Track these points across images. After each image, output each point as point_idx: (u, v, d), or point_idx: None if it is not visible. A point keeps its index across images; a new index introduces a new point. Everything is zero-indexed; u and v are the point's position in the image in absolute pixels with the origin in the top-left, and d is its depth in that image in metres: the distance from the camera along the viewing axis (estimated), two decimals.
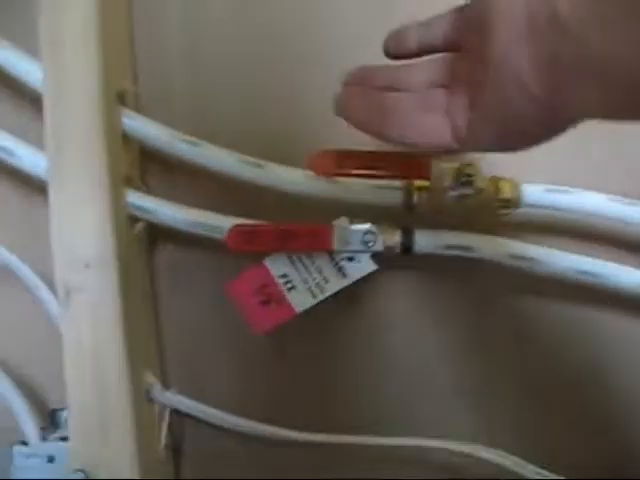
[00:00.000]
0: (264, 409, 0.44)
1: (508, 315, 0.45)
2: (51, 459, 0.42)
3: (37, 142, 0.42)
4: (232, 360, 0.46)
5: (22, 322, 0.46)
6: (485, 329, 0.46)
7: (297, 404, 0.45)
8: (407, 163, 0.41)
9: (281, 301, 0.41)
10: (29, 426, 0.42)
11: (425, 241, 0.42)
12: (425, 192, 0.42)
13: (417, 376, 0.46)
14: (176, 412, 0.44)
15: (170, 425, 0.44)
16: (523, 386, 0.46)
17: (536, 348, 0.46)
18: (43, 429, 0.44)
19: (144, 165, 0.46)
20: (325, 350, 0.46)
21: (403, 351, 0.46)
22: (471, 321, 0.45)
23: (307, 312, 0.41)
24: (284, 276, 0.41)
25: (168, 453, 0.44)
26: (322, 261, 0.42)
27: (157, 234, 0.46)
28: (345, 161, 0.41)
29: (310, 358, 0.46)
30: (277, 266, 0.42)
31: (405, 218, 0.43)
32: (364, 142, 0.37)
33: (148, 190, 0.45)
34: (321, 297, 0.41)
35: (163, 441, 0.42)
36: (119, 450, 0.39)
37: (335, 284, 0.42)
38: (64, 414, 0.45)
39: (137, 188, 0.44)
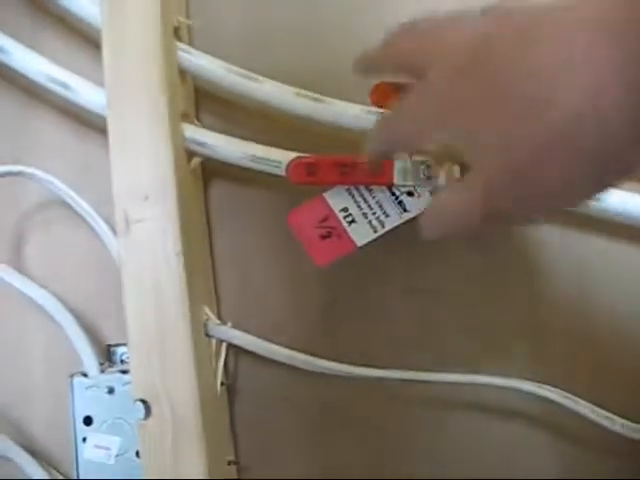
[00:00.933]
0: (318, 346, 0.43)
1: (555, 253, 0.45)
2: (111, 390, 0.42)
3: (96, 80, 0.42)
4: (284, 297, 0.45)
5: (81, 259, 0.46)
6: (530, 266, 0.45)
7: (350, 340, 0.45)
8: None
9: (341, 235, 0.41)
10: (89, 358, 0.43)
11: None
12: None
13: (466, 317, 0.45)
14: (231, 349, 0.44)
15: (225, 362, 0.44)
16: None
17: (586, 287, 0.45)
18: (101, 364, 0.44)
19: (199, 101, 0.46)
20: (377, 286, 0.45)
21: (452, 291, 0.45)
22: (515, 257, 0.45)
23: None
24: (344, 210, 0.41)
25: (223, 389, 0.44)
26: (382, 195, 0.41)
27: (212, 171, 0.45)
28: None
29: (362, 295, 0.45)
30: (337, 200, 0.41)
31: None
32: None
33: (203, 126, 0.44)
34: (381, 231, 0.41)
35: (220, 377, 0.42)
36: (179, 382, 0.39)
37: (395, 219, 0.41)
38: (120, 350, 0.45)
39: (194, 124, 0.43)
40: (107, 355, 0.45)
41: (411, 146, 0.35)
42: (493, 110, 0.26)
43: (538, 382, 0.42)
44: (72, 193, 0.43)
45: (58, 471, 0.45)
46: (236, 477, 0.44)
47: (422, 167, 0.41)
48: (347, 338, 0.45)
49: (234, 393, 0.45)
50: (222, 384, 0.43)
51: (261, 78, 0.42)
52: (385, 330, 0.45)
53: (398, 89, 0.40)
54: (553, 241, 0.45)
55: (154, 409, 0.39)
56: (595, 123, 0.23)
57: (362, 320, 0.45)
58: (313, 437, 0.45)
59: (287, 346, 0.42)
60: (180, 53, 0.43)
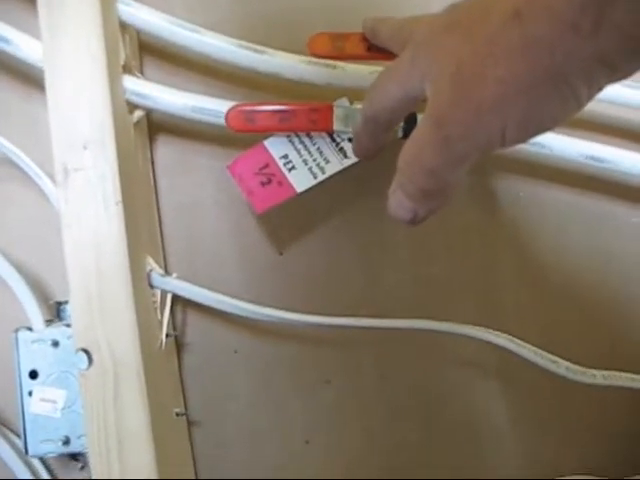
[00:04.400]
0: (264, 297, 0.43)
1: (512, 202, 0.45)
2: (55, 344, 0.42)
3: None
4: (231, 248, 0.45)
5: (28, 216, 0.46)
6: (487, 216, 0.45)
7: (296, 293, 0.45)
8: None
9: (282, 181, 0.41)
10: (34, 313, 0.43)
11: None
12: None
13: (417, 267, 0.45)
14: (178, 301, 0.44)
15: (173, 315, 0.44)
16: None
17: (538, 236, 0.45)
18: (48, 321, 0.44)
19: (142, 55, 0.46)
20: (325, 238, 0.45)
21: (402, 242, 0.45)
22: (472, 208, 0.45)
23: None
24: (284, 157, 0.41)
25: (170, 343, 0.44)
26: (322, 142, 0.41)
27: (157, 125, 0.45)
28: (341, 42, 0.40)
29: (310, 248, 0.45)
30: (277, 147, 0.41)
31: None
32: None
33: (147, 79, 0.44)
34: (322, 177, 0.41)
35: (165, 328, 0.42)
36: (121, 331, 0.39)
37: (336, 165, 0.41)
38: (68, 306, 0.45)
39: (135, 76, 0.43)
40: (56, 312, 0.45)
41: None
42: (451, 42, 0.27)
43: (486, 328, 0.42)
44: (16, 150, 0.43)
45: (5, 426, 0.45)
46: (185, 429, 0.44)
47: None
48: (293, 290, 0.45)
49: (183, 345, 0.45)
50: (168, 336, 0.43)
51: (203, 30, 0.42)
52: (332, 282, 0.45)
53: (335, 38, 0.40)
54: (506, 190, 0.45)
55: (95, 358, 0.39)
56: (534, 13, 0.24)
57: (308, 272, 0.45)
58: (262, 390, 0.45)
59: (233, 297, 0.42)
60: (120, 5, 0.43)
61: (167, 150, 0.46)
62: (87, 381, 0.39)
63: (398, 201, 0.31)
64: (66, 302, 0.44)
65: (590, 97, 0.25)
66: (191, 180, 0.45)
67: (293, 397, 0.45)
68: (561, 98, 0.25)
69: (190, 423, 0.45)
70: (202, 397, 0.45)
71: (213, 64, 0.43)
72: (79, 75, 0.40)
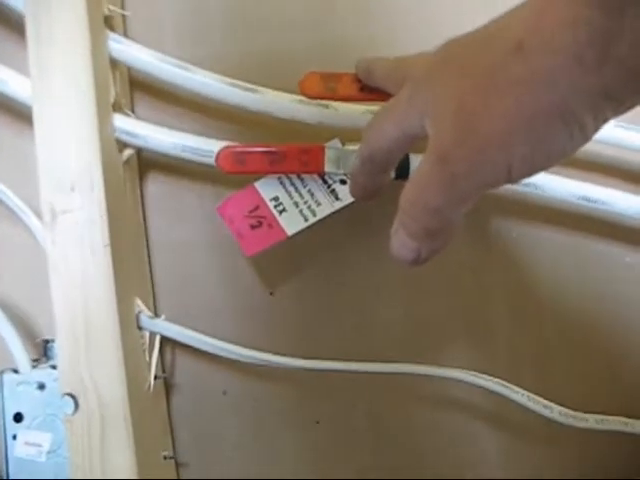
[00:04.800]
0: (255, 338, 0.43)
1: (505, 242, 0.44)
2: (41, 386, 0.41)
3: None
4: (221, 289, 0.45)
5: (15, 254, 0.45)
6: (480, 256, 0.45)
7: (286, 333, 0.44)
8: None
9: (272, 224, 0.40)
10: (19, 354, 0.42)
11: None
12: None
13: (409, 308, 0.45)
14: (167, 343, 0.44)
15: (162, 357, 0.44)
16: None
17: (532, 276, 0.45)
18: (35, 360, 0.43)
19: (133, 93, 0.45)
20: (316, 278, 0.45)
21: (394, 282, 0.45)
22: (466, 249, 0.44)
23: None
24: (275, 199, 0.41)
25: (159, 384, 0.43)
26: (314, 184, 0.41)
27: (147, 163, 0.45)
28: (333, 82, 0.40)
29: (301, 288, 0.45)
30: (268, 189, 0.41)
31: None
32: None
33: (137, 117, 0.44)
34: (313, 220, 0.41)
35: (154, 370, 0.42)
36: (108, 376, 0.38)
37: (327, 207, 0.41)
38: (55, 345, 0.44)
39: (126, 115, 0.43)
40: (44, 351, 0.44)
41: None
42: (450, 78, 0.27)
43: (478, 372, 0.42)
44: (3, 187, 0.43)
45: None
46: (174, 472, 0.44)
47: (354, 155, 0.40)
48: (284, 330, 0.44)
49: (172, 387, 0.44)
50: (156, 377, 0.42)
51: (194, 68, 0.42)
52: (323, 322, 0.45)
53: (326, 79, 0.40)
54: (500, 230, 0.45)
55: (81, 403, 0.38)
56: (538, 46, 0.23)
57: (299, 312, 0.45)
58: (251, 431, 0.44)
59: (223, 339, 0.42)
60: (111, 42, 0.42)
61: (157, 189, 0.45)
62: (73, 426, 0.38)
63: (401, 241, 0.30)
64: (53, 340, 0.44)
65: (596, 129, 0.25)
66: (181, 219, 0.45)
67: (282, 438, 0.44)
68: (567, 131, 0.24)
69: (178, 465, 0.44)
70: (191, 439, 0.44)
71: (204, 102, 0.43)
72: (68, 113, 0.40)
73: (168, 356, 0.44)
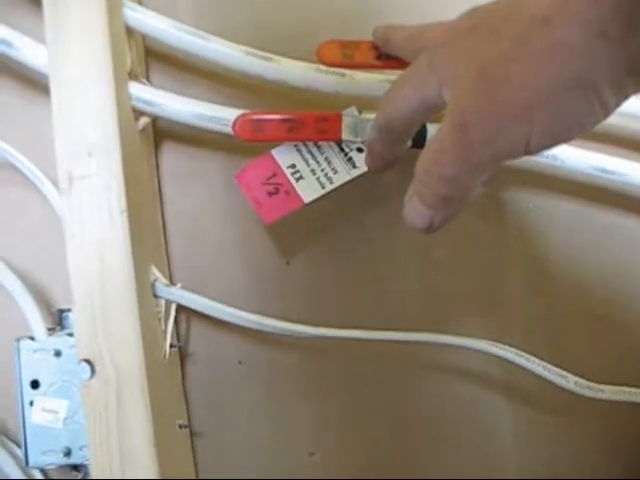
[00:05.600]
0: (271, 308, 0.43)
1: (521, 213, 0.44)
2: (58, 353, 0.41)
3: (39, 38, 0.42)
4: (237, 258, 0.45)
5: (30, 222, 0.45)
6: (496, 226, 0.45)
7: (303, 305, 0.44)
8: None
9: (289, 191, 0.40)
10: (36, 322, 0.42)
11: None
12: None
13: (424, 278, 0.45)
14: (182, 311, 0.44)
15: (176, 326, 0.44)
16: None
17: (547, 249, 0.45)
18: (51, 329, 0.43)
19: (148, 62, 0.45)
20: (332, 248, 0.45)
21: (409, 252, 0.45)
22: (481, 219, 0.44)
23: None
24: (292, 166, 0.40)
25: (174, 353, 0.43)
26: (331, 152, 0.41)
27: (162, 132, 0.45)
28: (350, 50, 0.40)
29: (317, 257, 0.45)
30: (285, 156, 0.41)
31: None
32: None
33: (153, 86, 0.43)
34: (329, 188, 0.40)
35: (169, 338, 0.42)
36: (124, 343, 0.38)
37: (344, 175, 0.41)
38: (71, 314, 0.44)
39: (142, 83, 0.43)
40: (59, 320, 0.44)
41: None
42: (473, 45, 0.27)
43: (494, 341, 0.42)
44: (18, 155, 0.42)
45: (6, 436, 0.44)
46: (188, 441, 0.44)
47: (371, 124, 0.40)
48: (299, 300, 0.44)
49: (187, 356, 0.44)
50: (172, 346, 0.42)
51: (210, 36, 0.42)
52: (339, 292, 0.45)
53: (344, 46, 0.40)
54: (515, 201, 0.45)
55: (98, 369, 0.38)
56: (563, 19, 0.23)
57: (314, 282, 0.45)
58: (266, 400, 0.44)
59: (238, 308, 0.42)
60: (127, 10, 0.42)
61: (173, 157, 0.45)
62: (89, 392, 0.38)
63: (414, 208, 0.30)
64: (69, 310, 0.44)
65: (617, 105, 0.25)
66: (197, 188, 0.45)
67: (297, 408, 0.45)
68: (588, 105, 0.24)
69: (193, 434, 0.44)
70: (205, 408, 0.44)
71: (220, 71, 0.43)
72: (84, 81, 0.40)
73: (183, 325, 0.44)
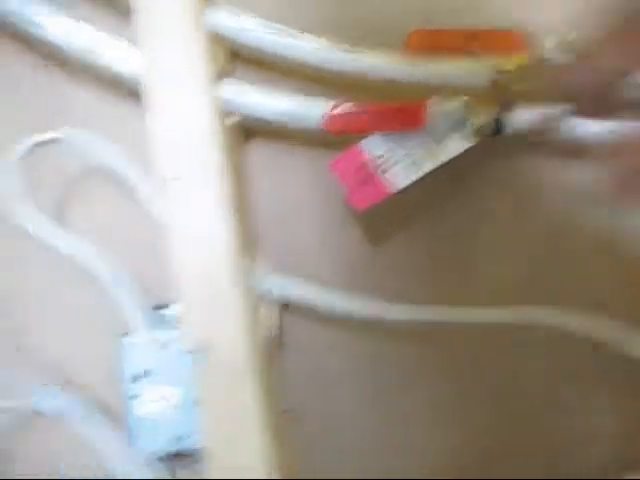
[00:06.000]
0: (365, 295, 0.44)
1: None
2: (162, 346, 0.43)
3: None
4: (326, 249, 0.46)
5: (123, 223, 0.47)
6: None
7: (394, 292, 0.45)
8: (502, 39, 0.41)
9: (380, 180, 0.42)
10: (137, 317, 0.44)
11: (519, 118, 0.42)
12: (519, 69, 0.42)
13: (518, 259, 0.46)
14: (278, 299, 0.45)
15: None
16: None
17: None
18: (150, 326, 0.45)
19: (234, 59, 0.46)
20: (422, 234, 0.46)
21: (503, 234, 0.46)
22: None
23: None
24: (381, 156, 0.42)
25: (274, 342, 0.45)
26: (418, 140, 0.42)
27: (249, 129, 0.46)
28: (439, 39, 0.41)
29: (407, 243, 0.46)
30: (374, 147, 0.42)
31: (497, 99, 0.43)
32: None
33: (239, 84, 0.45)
34: (419, 174, 0.42)
35: (269, 328, 0.43)
36: (231, 330, 0.40)
37: (430, 163, 0.42)
38: (166, 311, 0.46)
39: (229, 83, 0.44)
40: (156, 317, 0.46)
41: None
42: None
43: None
44: (113, 156, 0.44)
45: (115, 427, 0.45)
46: (291, 427, 0.45)
47: (456, 110, 0.42)
48: (391, 287, 0.46)
49: (283, 345, 0.46)
50: (272, 335, 0.43)
51: (296, 33, 0.43)
52: (428, 279, 0.46)
53: (432, 36, 0.41)
54: None
55: (207, 358, 0.40)
56: None
57: (406, 268, 0.46)
58: (365, 387, 0.46)
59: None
60: (213, 11, 0.43)
61: (260, 154, 0.47)
62: (199, 380, 0.40)
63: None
64: (165, 306, 0.45)
65: None
66: (285, 182, 0.46)
67: (398, 393, 0.45)
68: None
69: (294, 421, 0.45)
70: (304, 396, 0.45)
71: (302, 68, 0.44)
72: (177, 82, 0.41)
73: (276, 314, 0.45)
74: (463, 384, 0.46)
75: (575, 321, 0.42)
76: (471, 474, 0.44)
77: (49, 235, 0.43)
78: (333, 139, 0.43)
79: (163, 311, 0.46)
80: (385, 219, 0.46)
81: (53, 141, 0.43)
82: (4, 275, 0.47)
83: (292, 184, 0.46)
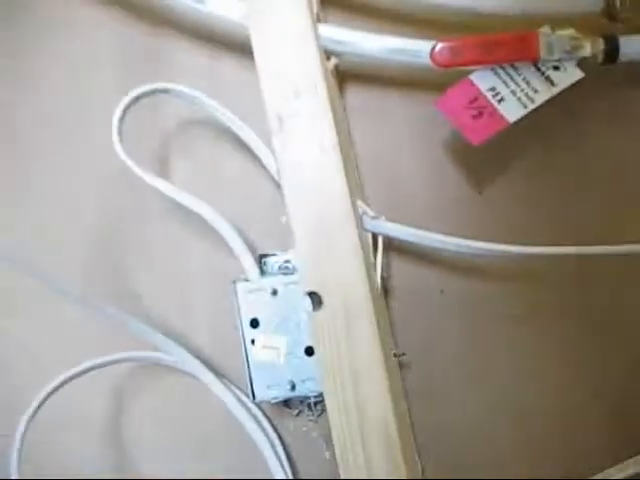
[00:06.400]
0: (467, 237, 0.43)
1: None
2: (274, 292, 0.43)
3: None
4: (429, 190, 0.46)
5: (226, 173, 0.47)
6: None
7: (497, 235, 0.44)
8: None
9: (493, 113, 0.41)
10: (249, 263, 0.44)
11: (630, 47, 0.41)
12: None
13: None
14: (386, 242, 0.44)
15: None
16: None
17: None
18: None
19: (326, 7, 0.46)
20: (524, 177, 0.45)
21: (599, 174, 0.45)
22: None
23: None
24: (492, 89, 0.41)
25: (382, 285, 0.44)
26: (528, 72, 0.41)
27: (346, 73, 0.46)
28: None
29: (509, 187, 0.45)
30: (483, 80, 0.41)
31: (606, 27, 0.41)
32: None
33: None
34: (532, 107, 0.41)
35: (379, 270, 0.43)
36: (347, 273, 0.39)
37: (544, 93, 0.41)
38: (272, 260, 0.46)
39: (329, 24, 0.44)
40: (260, 265, 0.46)
41: None
42: None
43: None
44: (219, 106, 0.44)
45: (225, 377, 0.46)
46: (399, 371, 0.45)
47: (567, 40, 0.40)
48: (494, 229, 0.45)
49: (390, 289, 0.45)
50: (382, 278, 0.43)
51: None
52: (531, 222, 0.45)
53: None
54: None
55: (325, 300, 0.39)
56: None
57: (508, 210, 0.45)
58: (471, 328, 0.45)
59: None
60: None
61: (357, 97, 0.46)
62: (318, 322, 0.39)
63: None
64: (271, 254, 0.45)
65: None
66: (383, 125, 0.46)
67: (499, 332, 0.45)
68: None
69: (401, 366, 0.45)
70: (411, 339, 0.45)
71: (399, 6, 0.43)
72: (284, 23, 0.41)
73: (384, 258, 0.45)
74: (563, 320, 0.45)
75: None
76: None
77: (163, 188, 0.43)
78: (427, 81, 0.42)
79: (270, 259, 0.46)
80: (488, 160, 0.44)
81: (165, 90, 0.44)
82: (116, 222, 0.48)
83: (389, 128, 0.46)
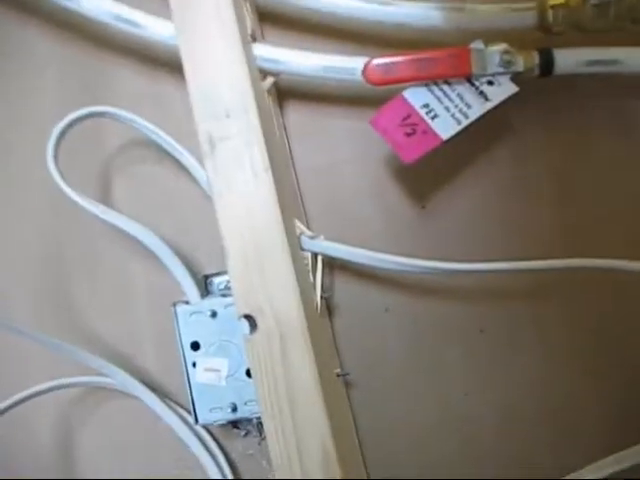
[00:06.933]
0: (411, 252, 0.42)
1: None
2: (214, 314, 0.43)
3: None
4: (373, 206, 0.45)
5: (166, 193, 0.47)
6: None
7: (441, 249, 0.44)
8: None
9: (426, 130, 0.40)
10: (189, 286, 0.43)
11: (565, 60, 0.41)
12: (560, 8, 0.40)
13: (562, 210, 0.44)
14: (325, 263, 0.44)
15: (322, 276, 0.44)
16: None
17: None
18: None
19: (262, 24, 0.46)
20: (467, 189, 0.45)
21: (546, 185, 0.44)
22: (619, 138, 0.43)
23: None
24: (425, 106, 0.40)
25: (323, 304, 0.44)
26: (462, 87, 0.41)
27: (285, 91, 0.45)
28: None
29: (452, 199, 0.45)
30: (417, 97, 0.41)
31: (540, 41, 0.41)
32: None
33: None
34: (465, 123, 0.40)
35: (319, 290, 0.42)
36: (282, 295, 0.39)
37: (478, 109, 0.40)
38: (217, 280, 0.46)
39: (263, 43, 0.43)
40: (204, 286, 0.46)
41: None
42: None
43: None
44: (155, 128, 0.44)
45: (170, 398, 0.46)
46: (344, 390, 0.44)
47: (500, 55, 0.40)
48: (437, 244, 0.44)
49: (333, 307, 0.45)
50: (321, 298, 0.43)
51: None
52: (475, 234, 0.44)
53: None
54: None
55: (260, 323, 0.39)
56: None
57: (451, 224, 0.45)
58: (416, 345, 0.45)
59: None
60: None
61: (297, 115, 0.46)
62: (253, 345, 0.39)
63: None
64: (215, 274, 0.45)
65: None
66: (324, 142, 0.46)
67: (447, 350, 0.44)
68: None
69: (347, 385, 0.45)
70: (356, 358, 0.45)
71: (334, 23, 0.43)
72: (213, 45, 0.40)
73: (326, 277, 0.45)
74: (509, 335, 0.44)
75: None
76: None
77: (100, 212, 0.43)
78: (367, 96, 0.42)
79: (215, 279, 0.45)
80: (430, 175, 0.44)
81: (102, 114, 0.43)
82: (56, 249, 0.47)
83: (329, 145, 0.45)
